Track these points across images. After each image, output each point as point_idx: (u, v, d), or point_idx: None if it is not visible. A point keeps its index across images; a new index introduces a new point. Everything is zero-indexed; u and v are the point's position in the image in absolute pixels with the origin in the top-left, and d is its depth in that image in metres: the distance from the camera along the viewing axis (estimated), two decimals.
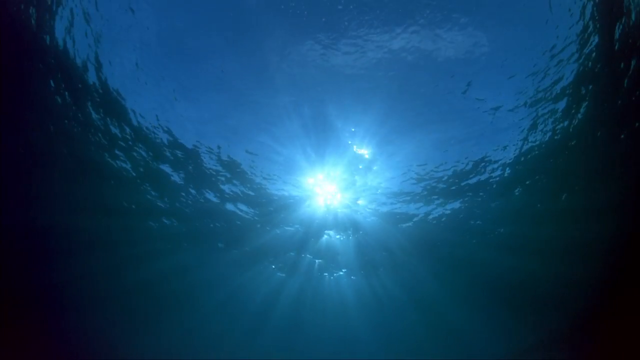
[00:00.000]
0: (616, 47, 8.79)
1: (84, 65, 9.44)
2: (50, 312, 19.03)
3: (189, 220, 14.47)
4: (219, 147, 11.64)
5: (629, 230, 12.38)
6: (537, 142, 11.10)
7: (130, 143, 11.43)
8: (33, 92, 9.94)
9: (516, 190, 12.63)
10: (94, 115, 10.63)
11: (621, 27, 8.54)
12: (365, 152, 11.63)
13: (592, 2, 8.30)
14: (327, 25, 8.73)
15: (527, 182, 12.26)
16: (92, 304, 19.46)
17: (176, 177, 12.73)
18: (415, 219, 14.14)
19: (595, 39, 8.81)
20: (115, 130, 11.03)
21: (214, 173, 12.48)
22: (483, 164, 11.87)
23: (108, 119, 10.72)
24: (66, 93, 10.06)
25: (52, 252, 15.21)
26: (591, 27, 8.63)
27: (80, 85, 9.84)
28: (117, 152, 11.66)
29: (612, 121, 10.11)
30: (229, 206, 13.85)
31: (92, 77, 9.71)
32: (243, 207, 13.89)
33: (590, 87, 9.59)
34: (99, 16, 8.68)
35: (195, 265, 17.44)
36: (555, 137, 10.85)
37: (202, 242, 15.80)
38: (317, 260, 16.99)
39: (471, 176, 12.28)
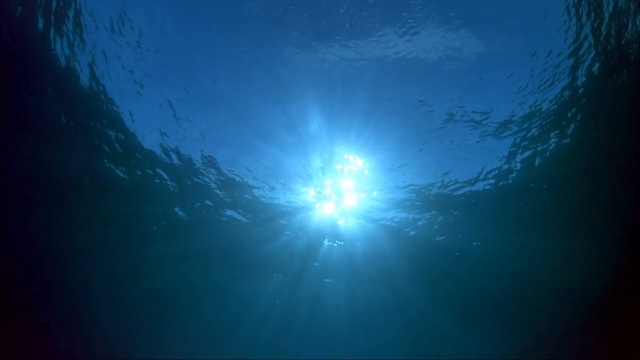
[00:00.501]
0: (615, 58, 8.71)
1: (81, 71, 9.14)
2: (50, 316, 18.74)
3: (186, 227, 14.08)
4: (214, 154, 11.32)
5: (628, 233, 12.12)
6: (535, 152, 10.85)
7: (125, 150, 11.07)
8: (31, 99, 9.61)
9: (515, 199, 12.33)
10: (90, 122, 10.29)
11: (619, 37, 8.47)
12: (361, 160, 11.35)
13: (587, 10, 8.26)
14: (327, 29, 8.44)
15: (526, 192, 12.01)
16: (93, 308, 19.16)
17: (174, 185, 12.36)
18: (412, 226, 13.82)
19: (592, 50, 8.67)
20: (110, 137, 10.69)
21: (212, 179, 12.13)
22: (481, 173, 11.60)
23: (103, 125, 10.39)
24: (63, 99, 9.72)
25: (52, 258, 14.77)
26: (589, 37, 8.55)
27: (76, 92, 9.53)
28: (113, 159, 11.32)
29: (610, 130, 9.94)
30: (226, 213, 13.50)
31: (88, 83, 9.40)
32: (240, 214, 13.53)
33: (589, 97, 9.44)
34: (96, 23, 8.43)
35: (194, 271, 17.11)
36: (553, 147, 10.63)
37: (200, 249, 15.40)
38: (315, 264, 16.69)
39: (469, 185, 11.97)
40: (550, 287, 15.73)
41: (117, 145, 11.00)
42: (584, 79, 9.12)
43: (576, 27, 8.38)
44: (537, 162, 11.10)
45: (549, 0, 8.20)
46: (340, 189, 12.25)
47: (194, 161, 11.54)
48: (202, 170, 11.82)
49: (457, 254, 15.08)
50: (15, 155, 10.75)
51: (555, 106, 9.75)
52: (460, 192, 12.23)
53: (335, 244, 15.06)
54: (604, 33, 8.39)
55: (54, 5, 8.09)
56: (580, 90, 9.34)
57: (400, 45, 8.78)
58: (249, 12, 8.42)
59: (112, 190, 12.29)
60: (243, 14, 8.47)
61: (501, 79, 9.40)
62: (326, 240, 14.81)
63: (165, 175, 12.03)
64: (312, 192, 12.45)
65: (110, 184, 12.04)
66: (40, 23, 8.30)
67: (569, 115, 9.88)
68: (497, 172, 11.51)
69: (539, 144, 10.68)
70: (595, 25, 8.31)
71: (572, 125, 10.06)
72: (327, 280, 17.95)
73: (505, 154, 11.02)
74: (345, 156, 11.33)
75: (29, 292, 16.36)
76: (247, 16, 8.49)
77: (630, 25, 8.18)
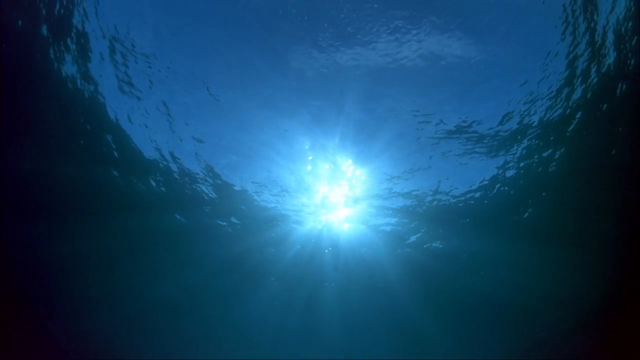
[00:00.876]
0: (612, 70, 8.59)
1: (81, 77, 8.93)
2: (51, 320, 18.53)
3: (186, 234, 13.79)
4: (214, 160, 11.09)
5: (626, 235, 11.94)
6: (533, 161, 10.67)
7: (124, 156, 10.82)
8: (31, 106, 9.38)
9: (511, 207, 12.12)
10: (88, 128, 10.06)
11: (617, 50, 8.41)
12: (359, 168, 11.14)
13: (586, 21, 8.17)
14: (328, 34, 8.17)
15: (524, 201, 11.85)
16: (95, 313, 18.93)
17: (173, 192, 12.06)
18: (409, 232, 13.59)
19: (590, 61, 8.51)
20: (110, 144, 10.47)
21: (211, 186, 11.85)
22: (478, 181, 11.39)
23: (102, 132, 10.16)
24: (62, 105, 9.48)
25: (53, 263, 14.44)
26: (587, 49, 8.45)
27: (75, 98, 9.31)
28: (112, 165, 11.09)
29: (607, 141, 9.78)
30: (225, 219, 13.24)
31: (86, 89, 9.18)
32: (239, 220, 13.27)
33: (586, 109, 9.30)
34: (94, 30, 8.25)
35: (194, 277, 16.82)
36: (551, 157, 10.45)
37: (200, 255, 15.09)
38: (313, 269, 16.41)
39: (466, 193, 11.76)
40: (547, 293, 15.58)
41: (115, 152, 10.73)
42: (581, 89, 8.98)
43: (574, 35, 8.27)
44: (534, 172, 10.88)
45: (547, 12, 8.12)
46: (339, 196, 12.03)
47: (194, 168, 11.27)
48: (201, 176, 11.53)
49: (455, 259, 14.90)
50: (15, 162, 10.50)
51: (553, 116, 9.59)
52: (457, 199, 11.99)
53: (334, 250, 14.80)
54: (602, 46, 8.26)
55: (55, 13, 7.94)
56: (578, 102, 9.17)
57: (403, 52, 8.57)
58: (248, 16, 8.15)
59: (112, 196, 11.99)
60: (242, 19, 8.22)
61: (499, 89, 9.22)
62: (324, 245, 14.53)
63: (164, 182, 11.73)
64: (310, 198, 12.21)
65: (110, 190, 11.74)
66: (42, 31, 8.15)
67: (568, 125, 9.70)
68: (494, 180, 11.28)
69: (536, 154, 10.46)
70: (593, 37, 8.21)
71: (570, 136, 9.88)
72: (325, 284, 17.75)
73: (503, 163, 10.81)
74: (344, 163, 11.11)
75: (30, 297, 16.15)
76: (246, 21, 8.22)
77: (627, 38, 8.09)
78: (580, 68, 8.67)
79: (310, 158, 10.97)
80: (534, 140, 10.16)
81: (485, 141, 10.30)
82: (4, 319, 15.87)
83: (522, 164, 10.80)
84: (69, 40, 8.34)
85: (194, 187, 11.91)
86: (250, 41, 8.67)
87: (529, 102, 9.42)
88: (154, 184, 11.81)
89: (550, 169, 10.74)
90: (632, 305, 12.83)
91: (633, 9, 7.62)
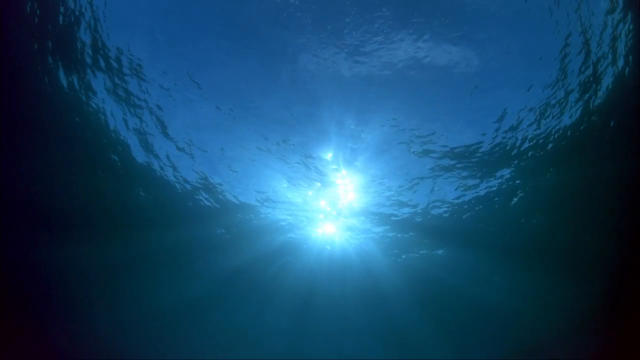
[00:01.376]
0: (603, 97, 8.50)
1: (75, 86, 8.78)
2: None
3: (185, 243, 13.63)
4: (213, 176, 11.05)
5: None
6: (527, 178, 10.60)
7: (126, 170, 10.67)
8: (31, 120, 9.29)
9: (509, 221, 12.13)
10: (86, 135, 9.87)
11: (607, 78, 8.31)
12: (356, 177, 11.00)
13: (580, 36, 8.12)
14: (330, 40, 7.97)
15: (520, 215, 11.86)
16: (100, 320, 18.82)
17: (173, 204, 11.94)
18: (405, 241, 13.50)
19: (581, 86, 8.46)
20: (114, 159, 10.37)
21: (213, 200, 11.72)
22: (474, 194, 11.32)
23: (107, 148, 10.12)
24: (62, 117, 9.38)
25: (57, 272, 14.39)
26: (580, 73, 8.35)
27: (71, 108, 9.17)
28: (115, 179, 10.98)
29: (598, 162, 9.74)
30: (226, 231, 13.12)
31: (81, 98, 9.07)
32: (236, 230, 13.17)
33: (576, 134, 9.25)
34: (91, 37, 8.09)
35: (196, 288, 16.80)
36: (545, 174, 10.41)
37: (200, 267, 14.97)
38: (311, 275, 16.35)
39: (463, 205, 11.66)
40: (545, 300, 15.53)
41: (118, 163, 10.59)
42: (581, 102, 8.87)
43: (571, 46, 8.18)
44: (530, 185, 10.77)
45: (546, 22, 8.06)
46: (336, 205, 11.91)
47: (194, 178, 11.08)
48: (201, 186, 11.31)
49: (453, 268, 14.77)
50: (16, 171, 10.30)
51: (550, 130, 9.44)
52: (454, 210, 11.86)
53: (331, 257, 14.69)
54: (601, 58, 8.23)
55: (57, 25, 7.79)
56: (577, 115, 9.05)
57: (407, 62, 8.40)
58: (248, 26, 7.99)
59: (111, 206, 11.80)
60: (242, 28, 8.03)
61: (498, 101, 9.08)
62: (322, 253, 14.46)
63: (163, 191, 11.52)
64: (309, 206, 12.07)
65: (108, 199, 11.55)
66: (43, 42, 8.02)
67: (565, 139, 9.58)
68: (490, 192, 11.21)
69: (532, 168, 10.35)
70: (591, 49, 8.12)
71: (567, 150, 9.76)
72: (323, 290, 17.54)
73: (499, 175, 10.72)
74: (342, 173, 10.96)
75: (32, 303, 15.96)
76: (247, 30, 8.06)
77: (625, 50, 8.04)
78: (578, 80, 8.57)
79: (309, 168, 10.87)
80: (529, 154, 10.02)
81: (482, 154, 10.17)
82: (8, 325, 15.71)
83: (518, 177, 10.65)
84: (68, 50, 8.19)
85: (195, 196, 11.67)
86: (251, 50, 8.52)
87: (525, 110, 9.28)
88: (152, 192, 11.57)
89: (546, 182, 10.60)
90: (627, 312, 12.75)
91: (630, 16, 7.56)
